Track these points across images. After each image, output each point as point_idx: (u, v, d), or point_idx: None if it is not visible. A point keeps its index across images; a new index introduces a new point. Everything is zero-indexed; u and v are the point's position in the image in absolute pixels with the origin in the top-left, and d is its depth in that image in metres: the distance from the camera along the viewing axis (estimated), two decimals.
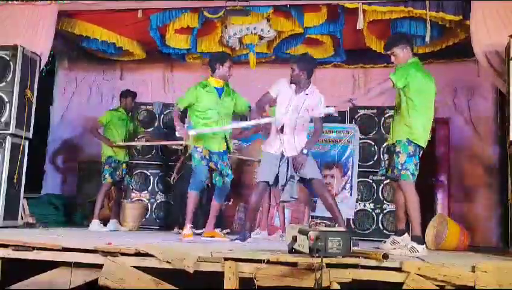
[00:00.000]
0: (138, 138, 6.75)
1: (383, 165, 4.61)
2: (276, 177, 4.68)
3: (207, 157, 4.97)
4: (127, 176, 6.46)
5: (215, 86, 5.12)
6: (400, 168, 4.09)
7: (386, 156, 4.46)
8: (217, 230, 5.34)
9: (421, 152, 4.19)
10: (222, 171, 5.03)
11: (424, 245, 4.12)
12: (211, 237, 5.00)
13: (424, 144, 4.17)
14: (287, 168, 4.66)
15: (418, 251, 3.99)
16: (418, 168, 4.15)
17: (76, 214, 7.21)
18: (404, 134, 4.13)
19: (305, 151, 4.61)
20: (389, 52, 4.34)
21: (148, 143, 6.89)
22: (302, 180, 4.73)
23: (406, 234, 4.31)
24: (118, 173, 6.29)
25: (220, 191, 5.10)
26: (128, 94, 6.53)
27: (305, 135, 4.77)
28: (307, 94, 4.70)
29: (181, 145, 6.36)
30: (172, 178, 6.73)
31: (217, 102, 5.08)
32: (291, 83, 4.73)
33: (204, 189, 5.32)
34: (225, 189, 5.13)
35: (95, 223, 6.08)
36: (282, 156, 4.68)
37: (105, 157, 6.27)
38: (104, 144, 6.27)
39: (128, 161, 6.46)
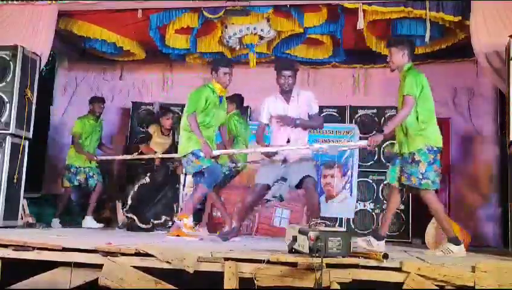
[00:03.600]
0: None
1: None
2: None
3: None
4: (93, 178, 6.68)
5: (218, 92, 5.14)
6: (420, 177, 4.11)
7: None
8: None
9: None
10: None
11: (460, 245, 4.12)
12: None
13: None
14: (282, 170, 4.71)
15: (452, 252, 4.06)
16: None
17: (76, 214, 7.19)
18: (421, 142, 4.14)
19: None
20: (389, 49, 4.40)
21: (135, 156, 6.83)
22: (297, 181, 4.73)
23: (383, 241, 4.33)
24: (78, 178, 6.63)
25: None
26: (94, 100, 6.86)
27: (306, 134, 4.81)
28: (293, 97, 4.75)
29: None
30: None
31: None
32: (284, 92, 4.74)
33: None
34: None
35: (56, 221, 6.41)
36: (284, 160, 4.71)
37: (65, 163, 6.73)
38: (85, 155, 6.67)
39: (88, 165, 6.71)
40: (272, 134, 4.88)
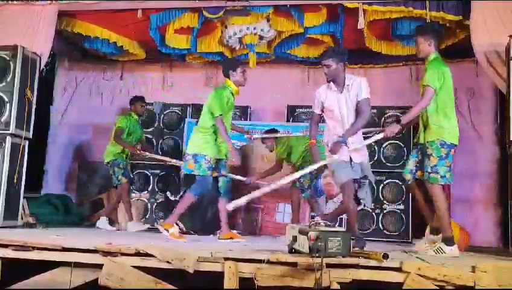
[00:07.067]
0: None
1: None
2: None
3: (213, 165, 5.06)
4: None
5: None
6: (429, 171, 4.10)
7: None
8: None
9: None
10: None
11: (453, 247, 4.08)
12: (229, 238, 5.08)
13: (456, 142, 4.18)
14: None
15: (444, 252, 4.02)
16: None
17: (76, 214, 7.19)
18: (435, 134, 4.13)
19: (345, 140, 4.21)
20: (415, 38, 4.41)
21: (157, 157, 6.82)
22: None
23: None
24: (128, 171, 6.43)
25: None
26: (136, 100, 6.62)
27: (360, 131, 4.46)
28: (348, 85, 4.37)
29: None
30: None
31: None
32: (329, 81, 4.46)
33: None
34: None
35: (104, 221, 6.29)
36: (351, 160, 4.31)
37: (110, 159, 6.35)
38: (126, 148, 6.37)
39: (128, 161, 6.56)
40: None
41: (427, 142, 4.15)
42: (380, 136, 4.25)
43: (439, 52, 4.37)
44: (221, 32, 6.51)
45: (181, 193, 6.50)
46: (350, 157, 4.28)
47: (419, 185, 4.30)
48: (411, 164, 4.37)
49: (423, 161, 4.19)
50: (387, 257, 3.22)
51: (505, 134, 4.96)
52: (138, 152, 6.44)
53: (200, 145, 5.01)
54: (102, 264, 3.42)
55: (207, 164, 4.97)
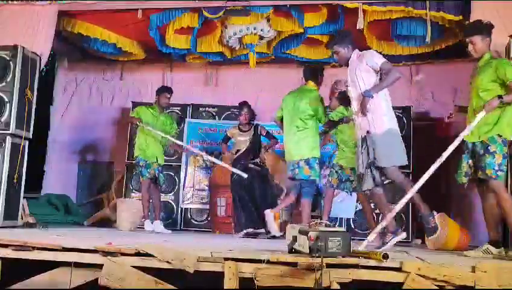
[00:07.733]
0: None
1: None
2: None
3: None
4: (161, 175, 6.34)
5: None
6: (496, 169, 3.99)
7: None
8: None
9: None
10: None
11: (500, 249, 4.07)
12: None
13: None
14: (368, 154, 4.19)
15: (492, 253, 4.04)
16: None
17: (76, 214, 7.20)
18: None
19: (370, 93, 4.16)
20: (467, 40, 4.22)
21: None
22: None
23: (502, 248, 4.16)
24: (149, 170, 6.18)
25: None
26: (161, 90, 6.40)
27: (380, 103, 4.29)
28: (351, 60, 4.43)
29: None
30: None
31: None
32: (341, 66, 4.65)
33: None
34: None
35: (148, 223, 6.15)
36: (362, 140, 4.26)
37: (135, 156, 6.29)
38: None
39: (156, 162, 6.27)
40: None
41: (488, 139, 4.02)
42: (483, 113, 3.96)
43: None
44: (221, 32, 6.51)
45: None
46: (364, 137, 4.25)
47: (479, 185, 4.17)
48: (465, 166, 4.19)
49: (479, 160, 4.06)
50: (387, 257, 3.22)
51: None
52: (140, 124, 6.10)
53: (311, 150, 5.18)
54: (102, 264, 3.42)
55: (318, 166, 5.22)
